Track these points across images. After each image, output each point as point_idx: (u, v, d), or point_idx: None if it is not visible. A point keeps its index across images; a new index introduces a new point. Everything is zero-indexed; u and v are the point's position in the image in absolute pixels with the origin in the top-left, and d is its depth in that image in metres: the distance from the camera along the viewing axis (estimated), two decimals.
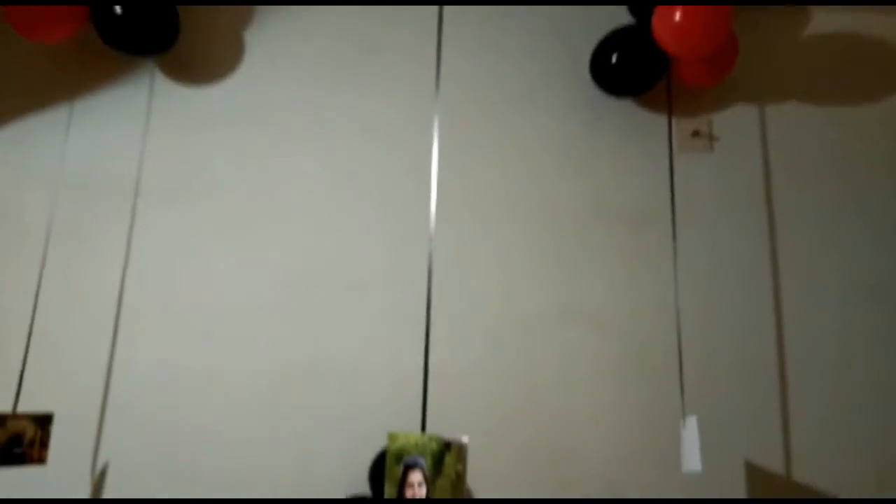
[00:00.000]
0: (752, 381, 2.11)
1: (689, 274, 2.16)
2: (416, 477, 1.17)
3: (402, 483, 1.18)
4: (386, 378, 2.06)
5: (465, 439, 1.09)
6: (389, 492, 1.21)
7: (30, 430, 1.78)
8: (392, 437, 1.21)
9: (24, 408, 1.86)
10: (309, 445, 2.02)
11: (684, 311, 2.09)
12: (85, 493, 1.95)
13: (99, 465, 1.97)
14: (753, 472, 2.04)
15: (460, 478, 1.06)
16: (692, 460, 1.78)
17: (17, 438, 1.76)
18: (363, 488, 1.95)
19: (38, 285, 1.94)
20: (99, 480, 1.96)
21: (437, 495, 1.11)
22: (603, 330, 2.13)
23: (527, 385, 2.09)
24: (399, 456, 1.19)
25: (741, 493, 2.03)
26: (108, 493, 1.96)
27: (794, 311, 2.17)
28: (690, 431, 1.81)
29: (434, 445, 1.13)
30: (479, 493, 2.00)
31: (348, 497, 1.94)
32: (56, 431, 1.88)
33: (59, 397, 1.97)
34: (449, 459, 1.09)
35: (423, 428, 1.22)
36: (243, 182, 2.19)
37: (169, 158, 2.20)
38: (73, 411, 1.99)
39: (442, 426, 2.02)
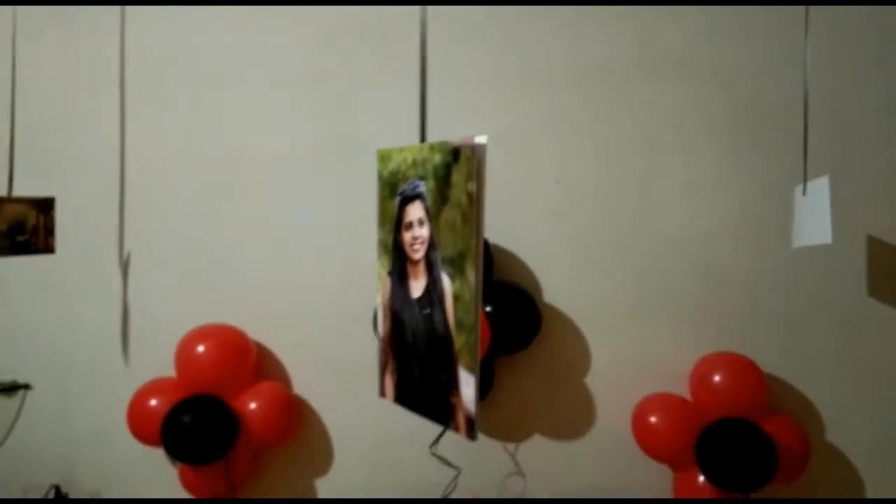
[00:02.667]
0: (889, 145, 1.67)
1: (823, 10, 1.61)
2: (415, 212, 0.79)
3: (399, 223, 0.82)
4: None
5: (480, 139, 0.68)
6: (384, 238, 0.86)
7: (31, 217, 1.57)
8: (383, 155, 0.83)
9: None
10: (354, 231, 1.76)
11: (814, 60, 1.58)
12: (116, 284, 1.79)
13: (124, 253, 1.79)
14: (878, 249, 1.67)
15: (474, 201, 0.68)
16: (818, 230, 1.41)
17: (18, 226, 1.56)
18: None
19: (13, 56, 1.62)
20: (124, 270, 1.79)
21: (445, 234, 0.73)
22: (699, 81, 1.68)
23: (602, 150, 1.70)
24: (393, 185, 0.82)
25: (860, 272, 1.66)
26: (133, 284, 1.80)
27: None
28: (817, 197, 1.43)
29: (437, 158, 0.72)
30: (551, 283, 1.72)
31: None
32: (74, 219, 1.68)
33: (73, 182, 1.75)
34: (457, 177, 0.70)
35: (423, 136, 0.82)
36: None
37: None
38: (90, 196, 1.78)
39: (486, 203, 1.70)
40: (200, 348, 1.65)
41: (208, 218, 1.79)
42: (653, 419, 1.62)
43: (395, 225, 0.83)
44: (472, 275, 0.69)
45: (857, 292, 1.67)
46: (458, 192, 0.69)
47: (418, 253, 0.78)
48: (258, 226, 1.78)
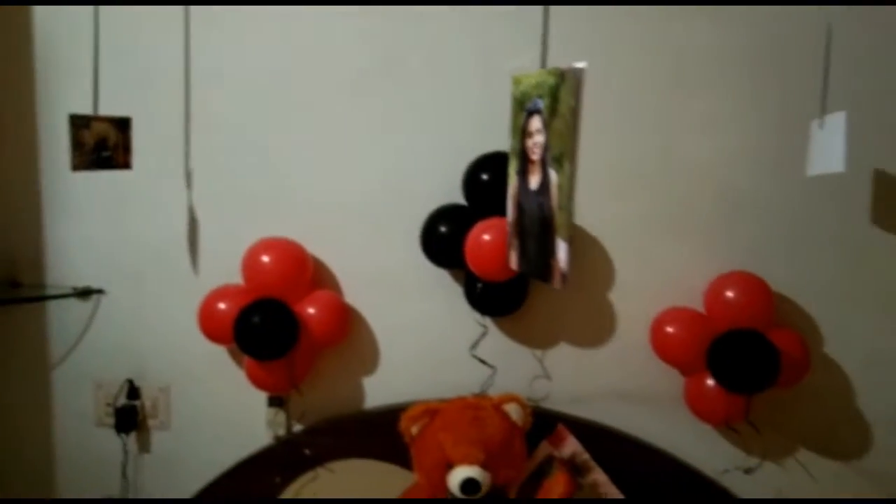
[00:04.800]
0: None
1: None
2: (535, 124, 1.00)
3: (524, 133, 1.02)
4: (478, 78, 1.86)
5: (580, 65, 0.85)
6: (514, 145, 1.07)
7: (112, 135, 1.73)
8: (515, 80, 1.05)
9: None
10: (400, 154, 1.91)
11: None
12: (184, 199, 1.95)
13: (190, 170, 1.95)
14: (884, 182, 1.81)
15: (574, 113, 0.86)
16: (832, 160, 1.56)
17: (103, 142, 1.72)
18: (457, 198, 1.86)
19: None
20: (189, 185, 1.95)
21: (553, 139, 0.93)
22: (723, 19, 1.80)
23: (631, 83, 1.83)
24: (521, 102, 1.02)
25: (865, 202, 1.82)
26: (199, 200, 1.97)
27: None
28: (834, 129, 1.57)
29: (551, 80, 0.92)
30: (581, 205, 1.87)
31: (442, 206, 1.86)
32: (144, 138, 1.82)
33: (139, 104, 1.88)
34: (563, 94, 0.89)
35: (544, 63, 1.01)
36: None
37: None
38: (156, 118, 1.92)
39: None
40: (265, 258, 1.82)
41: (268, 138, 1.93)
42: (669, 329, 1.80)
43: (521, 134, 1.01)
44: (568, 168, 0.87)
45: (861, 220, 1.83)
46: (563, 107, 0.87)
47: (536, 155, 0.98)
48: (315, 147, 1.93)
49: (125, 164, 1.77)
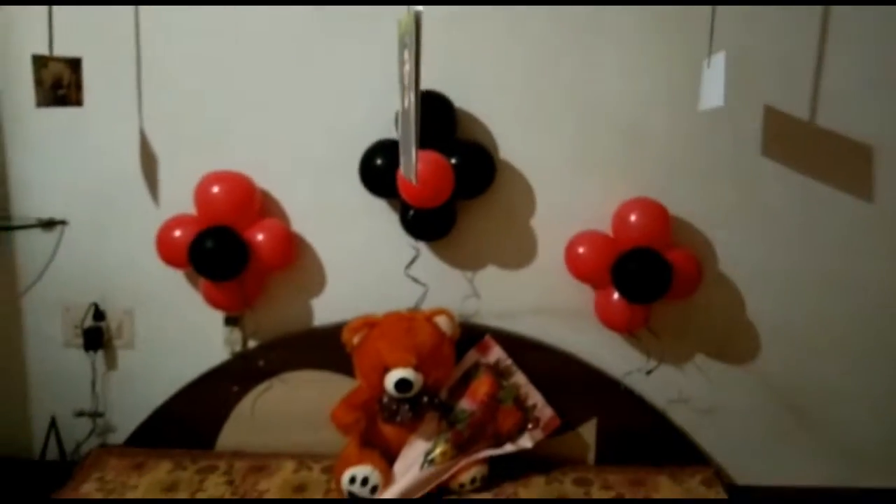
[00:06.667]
0: (788, 24, 2.00)
1: None
2: (406, 56, 1.22)
3: (402, 63, 1.24)
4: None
5: (419, 8, 1.09)
6: (399, 74, 1.28)
7: (66, 74, 1.86)
8: (399, 22, 1.27)
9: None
10: (341, 93, 2.07)
11: None
12: (134, 136, 2.10)
13: (143, 109, 2.09)
14: (773, 117, 2.04)
15: (415, 47, 1.09)
16: (714, 95, 1.77)
17: (58, 81, 1.85)
18: (392, 133, 2.04)
19: None
20: (141, 121, 2.10)
21: (413, 65, 1.17)
22: None
23: (552, 32, 2.02)
24: (402, 39, 1.24)
25: (757, 135, 2.05)
26: (154, 137, 2.11)
27: None
28: (716, 68, 1.78)
29: (412, 21, 1.13)
30: (506, 141, 2.07)
31: (378, 141, 2.03)
32: (97, 76, 1.95)
33: (92, 50, 1.99)
34: (414, 32, 1.11)
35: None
36: None
37: None
38: (109, 62, 2.05)
39: (455, 75, 2.04)
40: (215, 189, 1.99)
41: (218, 78, 2.07)
42: (581, 250, 2.03)
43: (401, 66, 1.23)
44: (414, 89, 1.10)
45: (752, 152, 2.07)
46: (413, 42, 1.08)
47: (406, 80, 1.18)
48: (263, 88, 2.07)
49: (77, 102, 1.91)
